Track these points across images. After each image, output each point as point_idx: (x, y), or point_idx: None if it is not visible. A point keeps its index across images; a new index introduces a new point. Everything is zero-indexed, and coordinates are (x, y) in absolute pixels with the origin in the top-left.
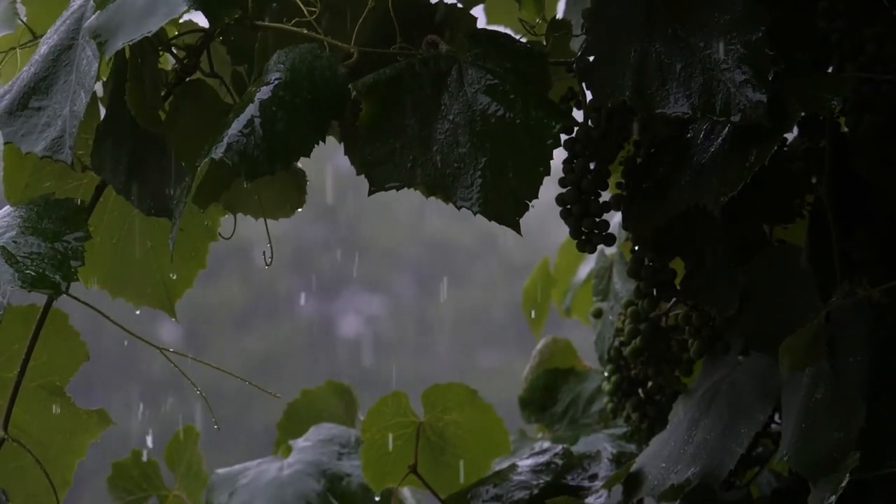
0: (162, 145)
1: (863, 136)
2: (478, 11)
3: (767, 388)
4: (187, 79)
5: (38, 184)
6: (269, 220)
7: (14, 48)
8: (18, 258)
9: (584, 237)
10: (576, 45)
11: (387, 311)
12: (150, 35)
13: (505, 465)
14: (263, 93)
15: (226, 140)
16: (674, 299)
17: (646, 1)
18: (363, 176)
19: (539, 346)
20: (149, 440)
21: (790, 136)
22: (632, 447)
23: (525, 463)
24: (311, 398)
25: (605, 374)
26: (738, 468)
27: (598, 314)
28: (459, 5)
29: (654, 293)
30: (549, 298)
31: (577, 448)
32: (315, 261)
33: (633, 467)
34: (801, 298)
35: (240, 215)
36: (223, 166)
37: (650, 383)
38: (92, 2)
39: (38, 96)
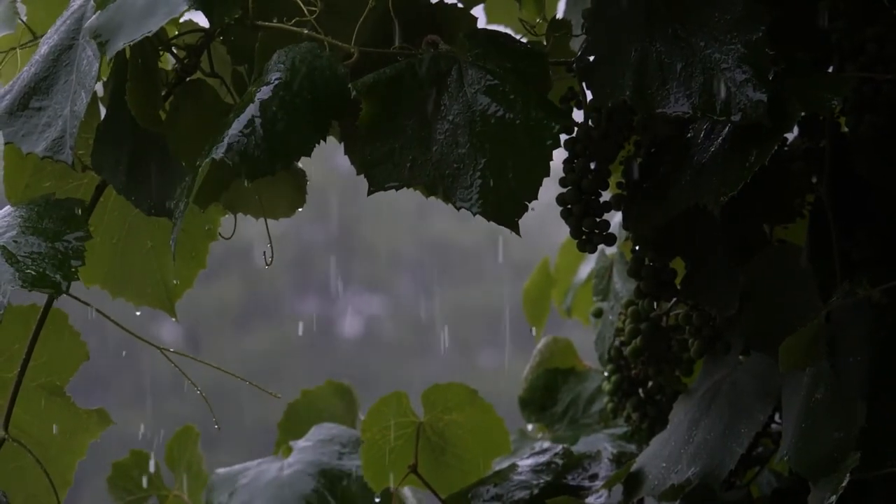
0: (162, 145)
1: (863, 136)
2: (478, 11)
3: (768, 388)
4: (188, 79)
5: (39, 184)
6: (269, 220)
7: (14, 48)
8: (19, 258)
9: (584, 237)
10: (576, 44)
11: (387, 311)
12: (150, 35)
13: (505, 464)
14: (264, 93)
15: (226, 140)
16: (674, 299)
17: (646, 1)
18: (363, 176)
19: (539, 345)
20: (148, 439)
21: (790, 136)
22: (632, 447)
23: (525, 463)
24: (311, 398)
25: (606, 373)
26: (738, 468)
27: (599, 314)
28: (460, 5)
29: (655, 293)
30: (549, 298)
31: (578, 448)
32: (315, 261)
33: (634, 467)
34: (801, 298)
35: (240, 215)
36: (223, 166)
37: (650, 383)
38: (92, 2)
39: (39, 96)
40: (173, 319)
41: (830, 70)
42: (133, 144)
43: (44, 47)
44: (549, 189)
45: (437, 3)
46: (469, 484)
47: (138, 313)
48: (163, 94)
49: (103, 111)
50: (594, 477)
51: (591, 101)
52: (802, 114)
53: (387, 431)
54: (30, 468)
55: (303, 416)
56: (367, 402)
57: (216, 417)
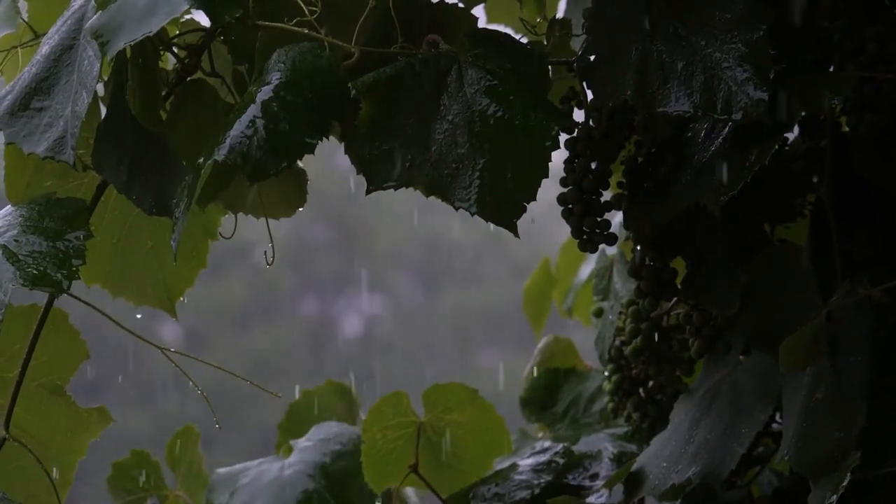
0: (163, 145)
1: (863, 135)
2: (478, 11)
3: (768, 388)
4: (188, 78)
5: (40, 183)
6: (270, 220)
7: (16, 47)
8: (20, 256)
9: (585, 236)
10: (577, 44)
11: (387, 311)
12: (151, 35)
13: (506, 464)
14: (265, 93)
15: (228, 142)
16: (675, 299)
17: (646, 0)
18: (362, 175)
19: (540, 345)
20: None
21: (791, 136)
22: (633, 447)
23: (526, 462)
24: (311, 398)
25: (606, 373)
26: (739, 468)
27: (599, 313)
28: (460, 5)
29: (655, 292)
30: (549, 298)
31: (578, 447)
32: (316, 260)
33: (634, 467)
34: (801, 298)
35: (240, 215)
36: (225, 167)
37: (651, 383)
38: (93, 1)
39: (40, 97)
40: (174, 319)
41: (831, 69)
42: (134, 144)
43: (45, 47)
44: (550, 189)
45: (437, 3)
46: (470, 483)
47: (139, 316)
48: (163, 93)
49: (104, 111)
50: (595, 476)
51: (591, 100)
52: (803, 113)
53: (387, 431)
54: (30, 468)
55: (303, 416)
56: (367, 402)
57: (217, 417)
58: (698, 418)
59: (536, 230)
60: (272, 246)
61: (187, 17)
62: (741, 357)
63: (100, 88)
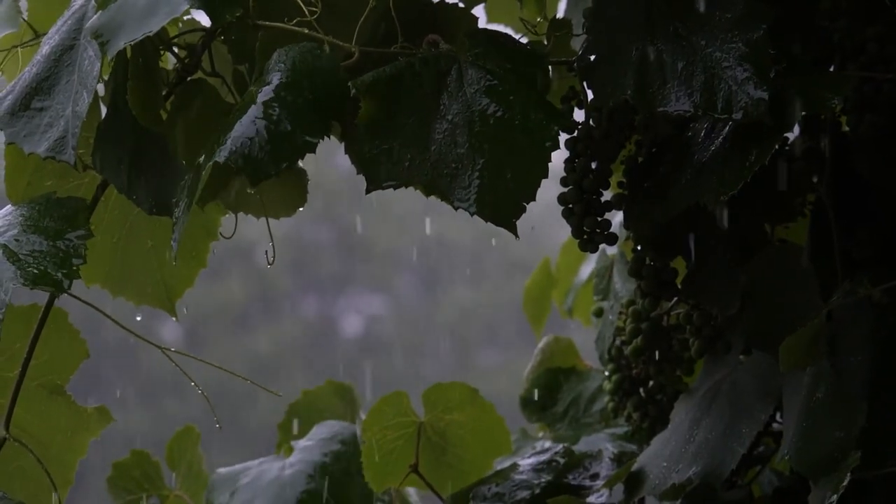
0: (163, 144)
1: (864, 135)
2: (479, 11)
3: (769, 388)
4: (188, 78)
5: (40, 182)
6: (270, 220)
7: (16, 46)
8: (20, 256)
9: (586, 236)
10: (577, 44)
11: (388, 311)
12: (151, 34)
13: (506, 464)
14: (265, 93)
15: (229, 143)
16: (675, 298)
17: (646, 0)
18: (363, 174)
19: (540, 345)
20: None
21: (791, 135)
22: (633, 446)
23: (526, 462)
24: (311, 398)
25: (606, 373)
26: (739, 467)
27: (599, 313)
28: (460, 5)
29: (656, 292)
30: (550, 298)
31: (579, 447)
32: (316, 260)
33: (635, 466)
34: (802, 298)
35: (241, 214)
36: (226, 169)
37: (651, 383)
38: (93, 1)
39: (41, 96)
40: (174, 319)
41: (831, 69)
42: (134, 143)
43: (45, 47)
44: (550, 189)
45: (437, 3)
46: (470, 483)
47: (139, 319)
48: (164, 93)
49: (104, 110)
50: (595, 476)
51: (592, 100)
52: (803, 113)
53: (387, 431)
54: (31, 467)
55: (303, 416)
56: (367, 402)
57: (217, 417)
58: (699, 418)
59: (536, 230)
60: (272, 246)
61: (187, 16)
62: (741, 357)
63: (100, 88)
